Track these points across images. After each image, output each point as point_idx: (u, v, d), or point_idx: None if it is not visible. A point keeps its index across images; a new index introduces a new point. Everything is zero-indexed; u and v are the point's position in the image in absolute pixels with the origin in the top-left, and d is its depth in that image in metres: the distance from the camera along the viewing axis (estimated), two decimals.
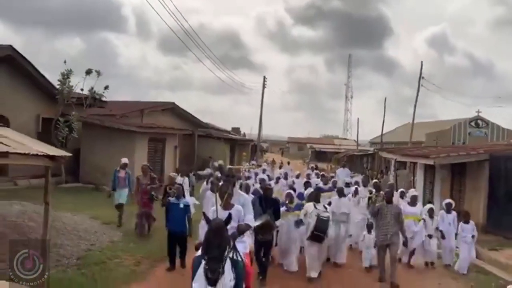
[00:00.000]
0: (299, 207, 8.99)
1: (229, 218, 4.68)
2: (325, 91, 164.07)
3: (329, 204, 9.45)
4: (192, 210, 9.46)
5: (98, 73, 17.51)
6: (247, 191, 9.20)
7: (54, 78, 16.99)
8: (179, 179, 11.43)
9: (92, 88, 17.62)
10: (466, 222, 9.68)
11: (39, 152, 6.15)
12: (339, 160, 50.59)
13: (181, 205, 8.75)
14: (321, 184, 12.82)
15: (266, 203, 8.02)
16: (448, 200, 10.64)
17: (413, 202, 10.40)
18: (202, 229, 6.26)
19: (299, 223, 8.58)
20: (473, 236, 9.55)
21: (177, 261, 8.63)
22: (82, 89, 17.28)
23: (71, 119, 16.31)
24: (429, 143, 33.35)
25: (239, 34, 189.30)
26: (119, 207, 11.43)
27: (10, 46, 15.19)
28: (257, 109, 43.03)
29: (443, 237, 9.88)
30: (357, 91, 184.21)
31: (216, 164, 17.30)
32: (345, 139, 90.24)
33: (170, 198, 9.10)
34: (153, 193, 10.54)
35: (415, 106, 30.23)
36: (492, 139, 32.15)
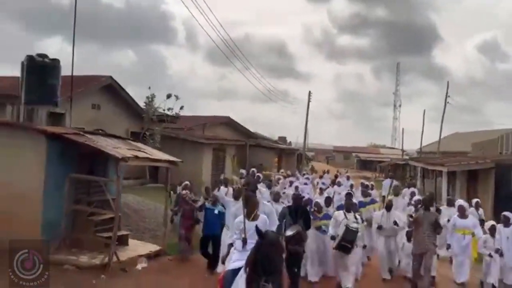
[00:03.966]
0: (328, 216, 8.84)
1: (280, 229, 5.16)
2: (373, 99, 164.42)
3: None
4: None
5: (177, 97, 21.79)
6: (276, 199, 9.51)
7: None
8: (223, 189, 11.16)
9: (170, 108, 21.87)
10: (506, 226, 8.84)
11: (167, 158, 10.07)
12: (382, 169, 52.37)
13: (216, 211, 9.12)
14: (361, 198, 11.71)
15: (297, 213, 7.85)
16: (507, 213, 9.16)
17: (462, 213, 9.58)
18: (225, 236, 6.51)
19: (319, 229, 8.62)
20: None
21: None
22: (164, 110, 21.54)
23: (154, 133, 20.51)
24: (475, 153, 32.54)
25: (285, 43, 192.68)
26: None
27: (110, 77, 19.66)
28: (303, 118, 45.74)
29: (501, 254, 8.57)
30: (406, 99, 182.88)
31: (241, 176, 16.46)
32: (392, 148, 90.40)
33: (206, 203, 9.55)
34: (198, 218, 10.05)
35: (442, 121, 31.84)
36: None
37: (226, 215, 8.73)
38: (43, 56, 11.98)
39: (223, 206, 9.19)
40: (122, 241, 9.73)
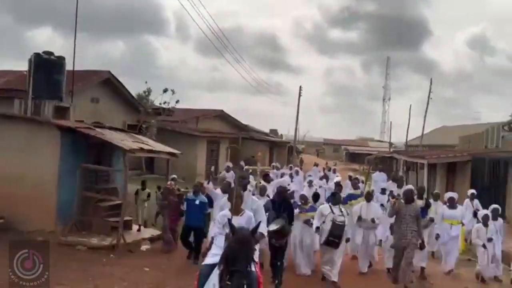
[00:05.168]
0: (314, 209, 8.76)
1: (256, 228, 4.54)
2: (363, 93, 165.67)
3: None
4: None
5: (173, 91, 22.70)
6: (262, 194, 9.01)
7: None
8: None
9: (166, 102, 22.77)
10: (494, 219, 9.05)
11: (168, 150, 10.99)
12: (369, 161, 53.50)
13: (197, 201, 9.03)
14: (351, 190, 11.79)
15: (280, 206, 7.78)
16: (495, 206, 9.48)
17: (451, 204, 9.73)
18: (212, 230, 5.94)
19: (307, 222, 8.49)
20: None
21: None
22: (160, 103, 22.44)
23: (151, 125, 21.38)
24: (462, 146, 33.50)
25: (276, 36, 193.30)
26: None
27: (109, 72, 20.45)
28: (293, 110, 46.49)
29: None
30: (395, 92, 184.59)
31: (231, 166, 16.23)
32: (380, 141, 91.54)
33: (188, 194, 9.57)
34: (182, 210, 9.82)
35: (425, 116, 32.73)
36: None
37: (214, 208, 8.56)
38: (49, 53, 12.86)
39: (207, 197, 9.20)
40: (127, 225, 10.64)
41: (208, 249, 5.42)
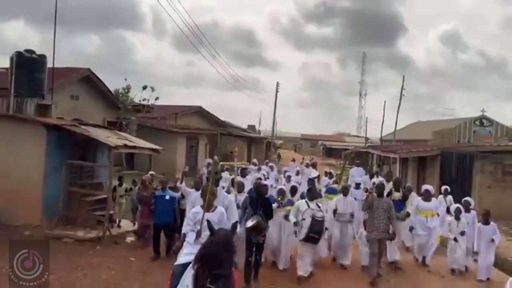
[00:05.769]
0: (291, 203, 8.75)
1: (235, 228, 4.47)
2: (339, 88, 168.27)
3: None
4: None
5: (152, 88, 22.97)
6: (240, 190, 9.02)
7: None
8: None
9: (145, 99, 23.04)
10: (486, 223, 8.86)
11: (150, 146, 11.39)
12: (346, 156, 54.65)
13: (167, 197, 8.79)
14: (330, 183, 12.17)
15: (258, 203, 7.68)
16: (467, 198, 9.88)
17: (426, 197, 9.77)
18: (184, 227, 5.73)
19: (286, 217, 8.40)
20: (492, 240, 8.69)
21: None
22: (140, 100, 22.69)
23: (131, 122, 21.63)
24: (435, 141, 34.43)
25: (252, 31, 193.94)
26: None
27: (88, 69, 20.58)
28: (271, 106, 46.87)
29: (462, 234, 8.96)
30: (371, 88, 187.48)
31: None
32: (357, 136, 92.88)
33: (155, 191, 9.36)
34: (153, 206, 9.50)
35: (397, 112, 33.94)
36: (496, 137, 33.02)
37: (187, 205, 8.27)
38: (31, 51, 13.12)
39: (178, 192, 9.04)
40: (111, 219, 11.03)
41: (180, 246, 5.37)
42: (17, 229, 9.74)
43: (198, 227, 5.01)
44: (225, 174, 13.37)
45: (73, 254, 8.94)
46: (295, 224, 8.09)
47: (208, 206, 5.28)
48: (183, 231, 5.67)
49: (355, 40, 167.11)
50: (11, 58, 12.66)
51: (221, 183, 9.57)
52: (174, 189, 9.30)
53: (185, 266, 4.37)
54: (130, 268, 8.38)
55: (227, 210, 5.62)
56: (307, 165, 18.91)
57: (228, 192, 8.88)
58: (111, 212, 11.56)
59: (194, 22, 70.53)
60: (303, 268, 8.12)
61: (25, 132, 10.24)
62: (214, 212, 5.28)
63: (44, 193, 9.89)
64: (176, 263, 4.80)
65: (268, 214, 7.74)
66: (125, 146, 10.27)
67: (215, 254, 3.69)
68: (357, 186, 12.78)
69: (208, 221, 4.43)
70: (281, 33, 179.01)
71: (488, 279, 8.69)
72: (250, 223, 7.18)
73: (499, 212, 12.03)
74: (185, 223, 5.63)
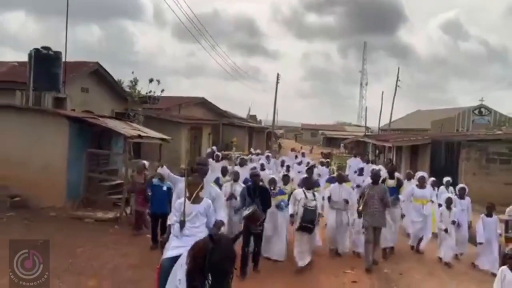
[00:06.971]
0: (283, 192, 8.91)
1: (219, 226, 4.62)
2: (340, 77, 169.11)
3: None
4: None
5: (158, 81, 24.02)
6: (235, 180, 9.17)
7: None
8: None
9: (151, 91, 24.11)
10: (489, 215, 8.80)
11: (160, 136, 12.51)
12: (345, 145, 55.65)
13: (164, 188, 8.90)
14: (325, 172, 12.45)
15: (255, 192, 7.68)
16: (462, 185, 9.99)
17: (421, 184, 9.87)
18: (170, 219, 5.47)
19: (278, 206, 8.50)
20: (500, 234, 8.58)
21: None
22: (146, 92, 23.76)
23: (138, 113, 22.71)
24: (434, 130, 35.10)
25: (253, 21, 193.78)
26: None
27: (97, 63, 21.66)
28: (271, 96, 47.54)
29: (458, 225, 9.05)
30: (372, 77, 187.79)
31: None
32: (358, 125, 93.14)
33: (153, 180, 9.30)
34: (148, 195, 9.57)
35: (392, 103, 34.88)
36: (494, 126, 32.80)
37: (173, 194, 8.33)
38: (47, 48, 14.23)
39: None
40: (127, 202, 12.18)
41: (167, 239, 5.24)
42: (43, 210, 10.94)
43: (182, 218, 4.89)
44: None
45: (95, 232, 10.11)
46: (291, 215, 8.20)
47: (195, 198, 5.09)
48: (168, 222, 5.49)
49: (356, 29, 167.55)
50: (29, 55, 13.75)
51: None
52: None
53: (173, 260, 4.38)
54: (148, 243, 9.48)
55: (214, 202, 5.33)
56: (303, 154, 19.81)
57: (219, 183, 8.71)
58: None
59: (193, 13, 71.73)
60: (301, 258, 8.12)
61: (48, 124, 11.38)
62: (200, 204, 5.08)
63: (67, 179, 11.04)
64: (164, 256, 4.76)
65: (266, 203, 7.77)
66: (139, 136, 11.38)
67: (219, 263, 3.62)
68: (360, 172, 13.07)
69: (210, 234, 4.07)
70: (282, 23, 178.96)
71: (492, 274, 7.64)
72: (245, 212, 7.33)
73: (482, 197, 12.18)
74: (170, 214, 5.44)
